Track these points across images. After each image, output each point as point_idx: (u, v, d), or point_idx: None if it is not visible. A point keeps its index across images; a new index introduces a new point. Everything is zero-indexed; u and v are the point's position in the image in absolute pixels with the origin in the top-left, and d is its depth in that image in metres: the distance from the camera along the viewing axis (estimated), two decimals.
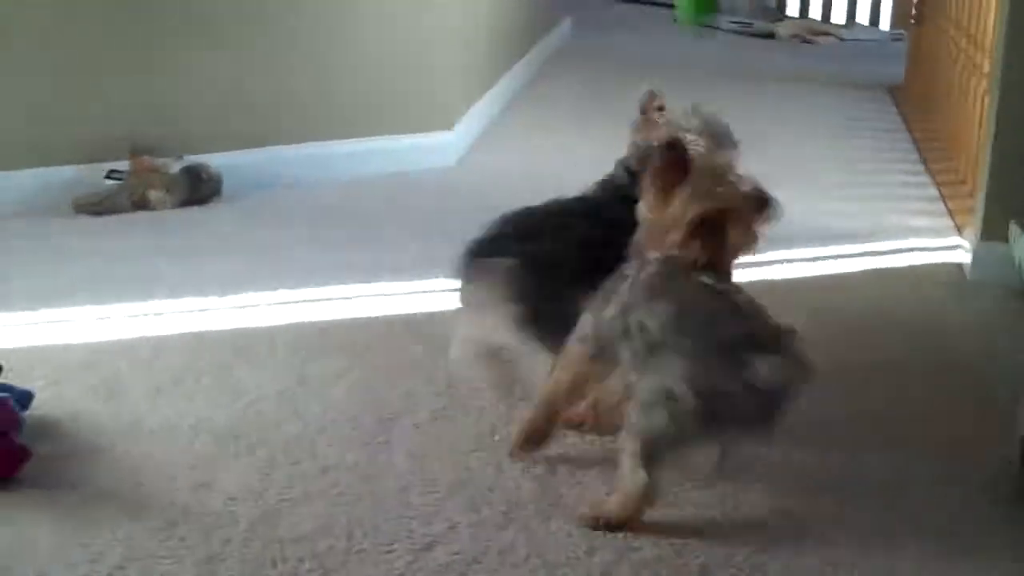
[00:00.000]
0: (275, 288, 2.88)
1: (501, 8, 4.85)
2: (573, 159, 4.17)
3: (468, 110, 4.27)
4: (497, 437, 2.19)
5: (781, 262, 3.22)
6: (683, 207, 1.92)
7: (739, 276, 2.37)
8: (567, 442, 2.19)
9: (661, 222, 1.94)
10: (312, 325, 2.69)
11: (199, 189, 3.50)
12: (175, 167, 3.48)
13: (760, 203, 1.97)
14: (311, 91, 3.73)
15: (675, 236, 1.92)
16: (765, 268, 3.16)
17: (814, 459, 2.18)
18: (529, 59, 5.50)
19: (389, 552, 1.85)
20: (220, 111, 3.60)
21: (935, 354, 2.66)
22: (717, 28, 7.42)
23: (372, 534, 1.89)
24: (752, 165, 4.02)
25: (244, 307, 2.78)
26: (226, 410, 2.27)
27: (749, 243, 1.97)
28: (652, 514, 1.91)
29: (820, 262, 3.24)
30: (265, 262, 3.04)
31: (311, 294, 2.86)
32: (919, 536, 1.95)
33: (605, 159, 4.14)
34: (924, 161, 4.32)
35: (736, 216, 1.93)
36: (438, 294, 2.89)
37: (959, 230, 3.47)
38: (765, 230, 1.98)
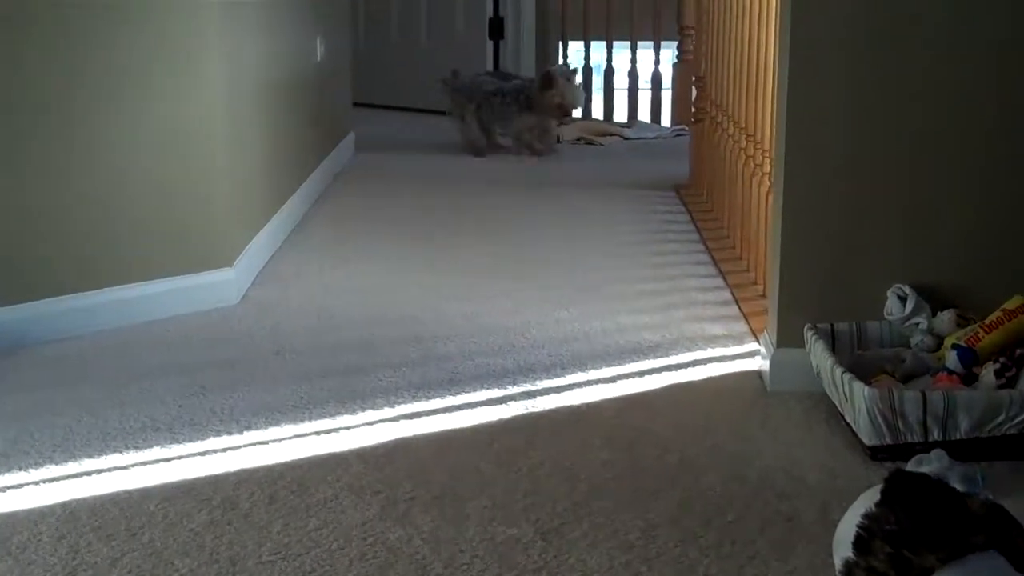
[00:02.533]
0: (39, 464, 2.65)
1: (278, 130, 4.70)
2: (359, 286, 4.04)
3: (249, 243, 4.10)
4: None
5: (580, 385, 3.12)
6: None
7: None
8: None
9: None
10: (82, 503, 2.46)
11: None
12: None
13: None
14: (70, 238, 3.50)
15: None
16: (564, 394, 3.06)
17: None
18: (312, 181, 5.35)
19: None
20: None
21: (738, 478, 2.58)
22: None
23: None
24: (542, 282, 3.97)
25: (3, 489, 2.53)
26: None
27: None
28: None
29: (619, 381, 3.14)
30: (26, 434, 2.80)
31: (79, 467, 2.63)
32: None
33: (393, 284, 4.04)
34: (715, 262, 4.30)
35: None
36: (220, 454, 2.70)
37: (755, 335, 3.42)
38: None
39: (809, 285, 3.05)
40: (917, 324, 2.96)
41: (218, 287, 3.80)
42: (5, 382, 3.14)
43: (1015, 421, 2.60)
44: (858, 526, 1.98)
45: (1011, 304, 2.87)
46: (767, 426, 2.86)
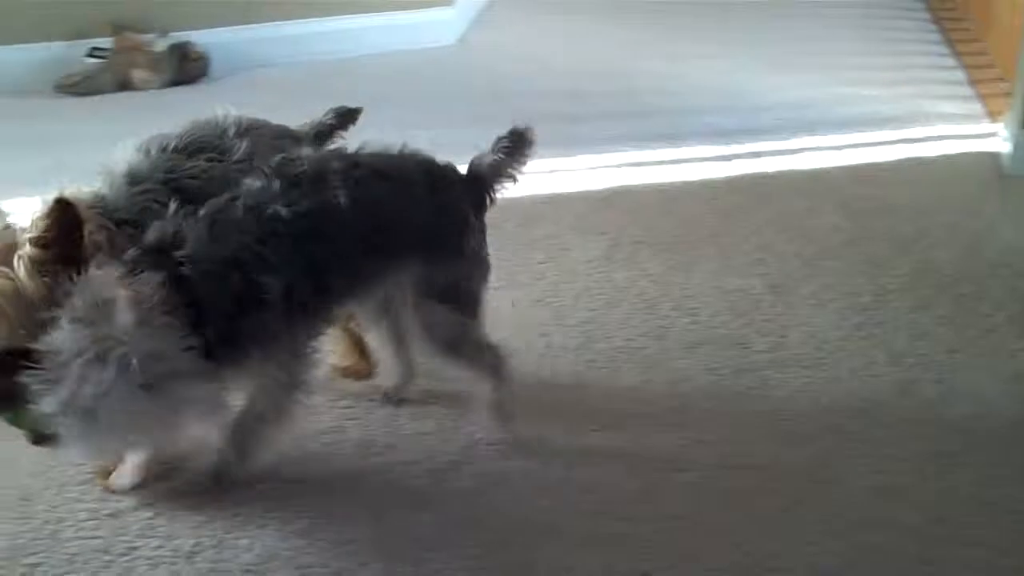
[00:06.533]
0: None
1: None
2: (582, 38, 3.97)
3: None
4: None
5: (807, 150, 3.04)
6: None
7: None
8: None
9: None
10: None
11: (185, 69, 3.29)
12: (161, 45, 3.27)
13: None
14: None
15: None
16: (790, 157, 2.98)
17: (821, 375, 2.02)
18: None
19: None
20: None
21: (973, 254, 2.48)
22: None
23: None
24: (763, 52, 3.83)
25: None
26: None
27: None
28: None
29: (846, 150, 3.05)
30: None
31: None
32: None
33: (611, 35, 3.94)
34: (950, 43, 4.10)
35: None
36: None
37: (991, 117, 3.28)
38: None
39: None
40: None
41: (437, 26, 3.76)
42: (242, 99, 3.15)
43: None
44: None
45: None
46: (1005, 207, 2.74)
